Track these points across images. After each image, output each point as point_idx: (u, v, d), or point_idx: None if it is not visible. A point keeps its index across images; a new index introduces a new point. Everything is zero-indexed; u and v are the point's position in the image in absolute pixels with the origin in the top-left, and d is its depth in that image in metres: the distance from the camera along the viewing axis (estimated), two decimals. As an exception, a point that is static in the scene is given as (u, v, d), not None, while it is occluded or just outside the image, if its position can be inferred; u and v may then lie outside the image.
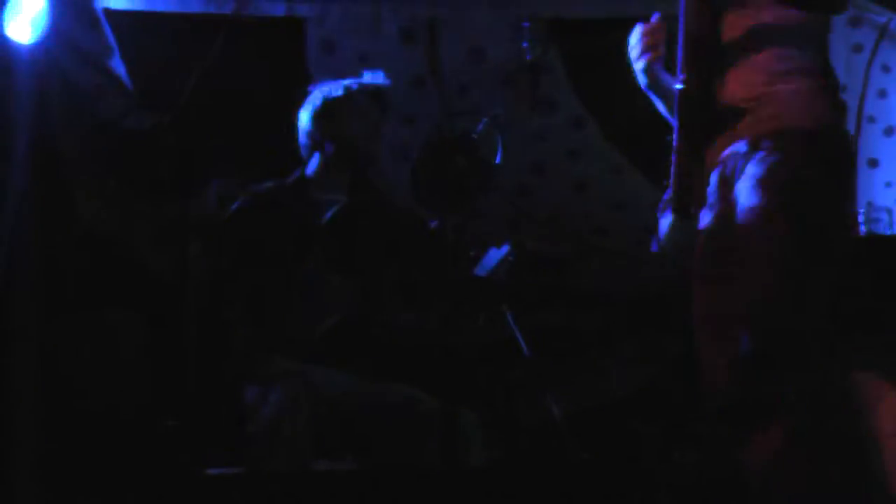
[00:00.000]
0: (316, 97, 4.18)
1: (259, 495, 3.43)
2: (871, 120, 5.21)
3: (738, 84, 2.97)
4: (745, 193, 2.87)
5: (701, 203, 3.08)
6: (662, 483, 3.42)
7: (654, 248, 3.21)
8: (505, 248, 4.33)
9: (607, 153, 5.27)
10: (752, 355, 2.80)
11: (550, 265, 4.78)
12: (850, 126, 3.12)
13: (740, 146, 2.94)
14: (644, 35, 3.15)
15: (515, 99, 5.10)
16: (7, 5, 4.07)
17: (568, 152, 5.31)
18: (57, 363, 4.05)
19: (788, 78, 2.95)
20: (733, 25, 3.00)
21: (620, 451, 4.54)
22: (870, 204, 4.94)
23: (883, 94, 5.23)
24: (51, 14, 4.28)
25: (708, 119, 2.99)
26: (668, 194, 3.10)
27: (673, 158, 3.02)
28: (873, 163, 5.21)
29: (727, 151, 2.98)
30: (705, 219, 3.05)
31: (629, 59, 3.24)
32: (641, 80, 3.17)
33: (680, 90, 2.96)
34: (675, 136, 3.00)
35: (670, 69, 3.18)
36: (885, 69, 5.21)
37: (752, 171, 2.89)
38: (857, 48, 4.92)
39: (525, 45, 4.99)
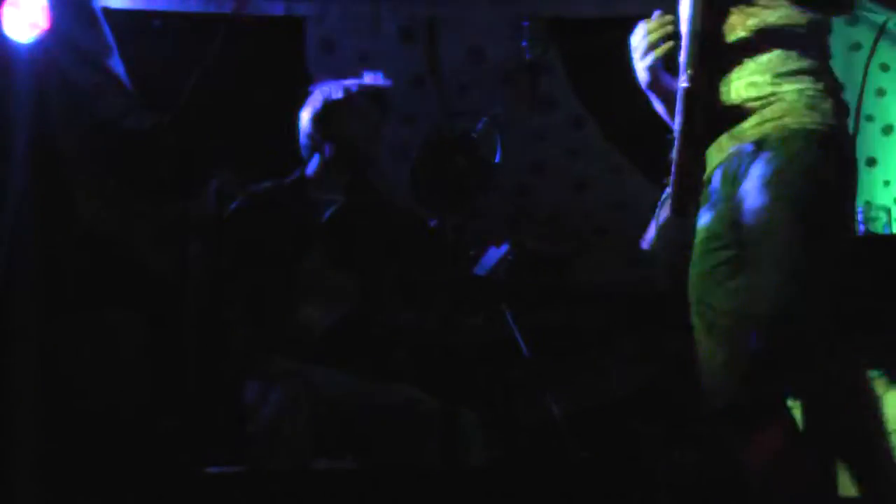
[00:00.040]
0: (316, 98, 4.18)
1: (259, 494, 3.43)
2: (870, 119, 5.22)
3: (743, 83, 2.98)
4: (753, 194, 2.87)
5: (699, 202, 3.09)
6: (662, 483, 3.42)
7: (643, 245, 3.22)
8: (504, 248, 4.33)
9: (607, 153, 5.28)
10: (762, 355, 2.80)
11: (550, 264, 4.78)
12: (849, 125, 3.12)
13: (745, 146, 2.94)
14: (648, 33, 3.15)
15: (515, 98, 5.09)
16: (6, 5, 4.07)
17: (568, 152, 5.31)
18: (57, 363, 4.05)
19: (793, 79, 2.95)
20: (738, 25, 3.00)
21: (620, 450, 4.55)
22: (868, 203, 4.94)
23: (881, 92, 5.24)
24: (50, 13, 4.28)
25: (711, 118, 3.00)
26: (667, 193, 3.10)
27: (674, 157, 3.02)
28: (871, 161, 5.22)
29: (731, 151, 2.98)
30: (704, 217, 3.06)
31: (630, 57, 3.23)
32: (643, 78, 3.16)
33: (685, 88, 2.96)
34: (676, 135, 3.00)
35: (670, 69, 3.18)
36: (884, 68, 5.22)
37: (758, 171, 2.89)
38: (856, 47, 4.93)
39: (525, 44, 4.98)
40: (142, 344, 4.28)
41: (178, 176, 3.48)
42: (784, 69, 2.96)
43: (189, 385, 3.24)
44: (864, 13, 5.00)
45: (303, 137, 4.19)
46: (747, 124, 2.95)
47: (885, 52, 5.11)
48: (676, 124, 3.01)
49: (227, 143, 4.49)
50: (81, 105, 4.66)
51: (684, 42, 3.01)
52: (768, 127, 2.92)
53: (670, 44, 3.10)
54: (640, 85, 3.21)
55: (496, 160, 3.65)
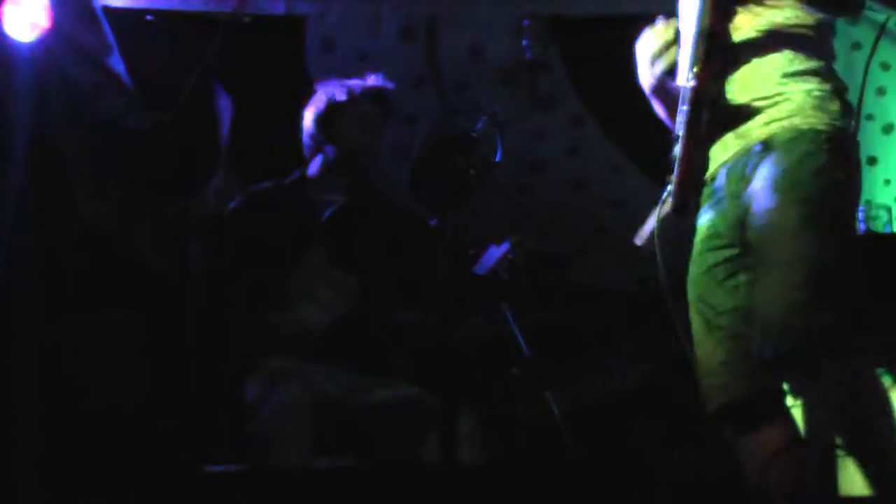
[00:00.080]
0: (320, 98, 4.18)
1: (259, 493, 3.43)
2: (870, 118, 5.22)
3: (750, 83, 2.98)
4: (763, 195, 2.87)
5: (700, 200, 3.09)
6: (662, 483, 3.42)
7: (636, 241, 3.22)
8: (504, 247, 4.33)
9: (607, 151, 5.27)
10: (771, 356, 2.81)
11: (550, 263, 4.78)
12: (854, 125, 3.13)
13: (753, 145, 2.94)
14: (656, 39, 3.15)
15: (515, 97, 5.10)
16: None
17: (568, 150, 5.31)
18: (57, 363, 4.05)
19: (801, 79, 2.95)
20: (744, 24, 3.00)
21: (620, 450, 4.55)
22: (869, 202, 4.94)
23: (882, 91, 5.24)
24: (51, 12, 4.28)
25: (716, 117, 2.99)
26: (668, 191, 3.10)
27: (677, 156, 3.02)
28: (872, 161, 5.21)
29: (737, 150, 2.98)
30: (706, 215, 3.05)
31: (632, 58, 3.23)
32: (650, 84, 3.16)
33: (692, 88, 2.96)
34: (680, 134, 3.00)
35: (673, 73, 3.19)
36: (884, 67, 5.21)
37: (767, 172, 2.89)
38: (856, 46, 4.93)
39: (525, 43, 4.99)
40: (142, 344, 4.28)
41: (178, 175, 3.48)
42: (791, 69, 2.96)
43: (189, 385, 3.24)
44: (865, 12, 5.00)
45: (305, 137, 4.20)
46: (754, 124, 2.95)
47: (886, 51, 5.11)
48: (681, 123, 3.01)
49: (227, 143, 4.48)
50: (81, 104, 4.66)
51: (690, 41, 3.01)
52: (776, 127, 2.92)
53: (677, 50, 3.11)
54: (642, 87, 3.21)
55: (496, 159, 3.65)
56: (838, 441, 3.03)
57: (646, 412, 4.60)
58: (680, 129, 3.03)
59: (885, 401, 2.86)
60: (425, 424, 3.83)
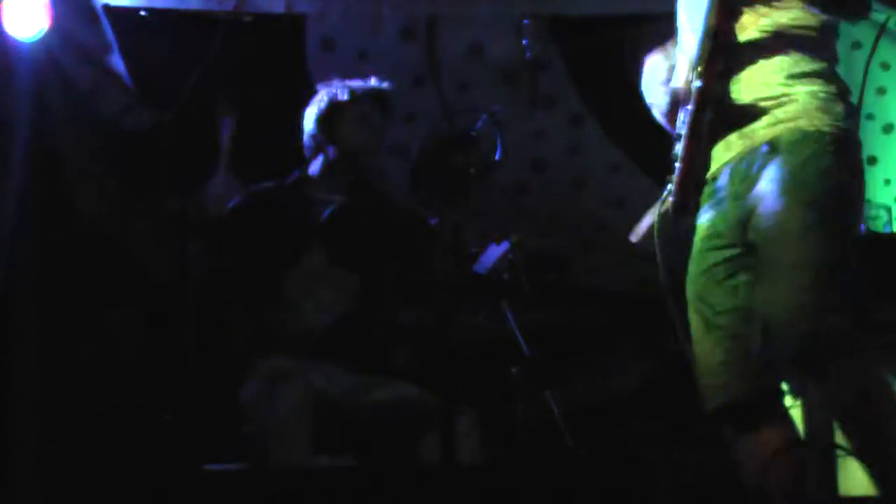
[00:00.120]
0: (321, 99, 4.18)
1: (259, 492, 3.43)
2: (870, 117, 5.22)
3: (755, 83, 2.98)
4: (770, 198, 2.87)
5: (701, 199, 3.08)
6: (662, 482, 3.42)
7: (632, 238, 3.22)
8: (504, 245, 4.32)
9: (607, 151, 5.27)
10: (793, 358, 2.81)
11: (550, 262, 4.78)
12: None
13: (758, 146, 2.94)
14: (666, 60, 3.15)
15: (515, 96, 5.10)
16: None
17: (568, 150, 5.30)
18: (57, 363, 4.05)
19: (806, 80, 2.95)
20: (750, 24, 3.00)
21: (620, 449, 4.54)
22: (868, 202, 4.93)
23: (882, 91, 5.24)
24: (51, 11, 4.28)
25: (720, 116, 2.99)
26: (668, 190, 3.10)
27: (679, 155, 3.02)
28: (872, 160, 5.21)
29: (741, 150, 2.97)
30: (707, 214, 3.05)
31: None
32: (661, 105, 3.16)
33: (698, 88, 2.96)
34: (684, 133, 3.00)
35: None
36: (884, 66, 5.21)
37: (774, 174, 2.89)
38: (856, 45, 4.92)
39: (525, 42, 4.99)
40: (142, 344, 4.28)
41: (178, 175, 3.48)
42: (796, 70, 2.96)
43: (189, 384, 3.24)
44: (865, 12, 5.00)
45: (306, 137, 4.20)
46: (759, 124, 2.95)
47: (886, 51, 5.11)
48: (683, 122, 3.01)
49: (226, 142, 4.48)
50: (81, 104, 4.66)
51: (695, 40, 3.01)
52: (781, 128, 2.92)
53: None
54: (649, 105, 3.22)
55: (496, 158, 3.65)
56: (838, 441, 3.03)
57: (646, 412, 4.60)
58: (682, 128, 3.03)
59: (894, 403, 2.87)
60: (425, 424, 3.83)
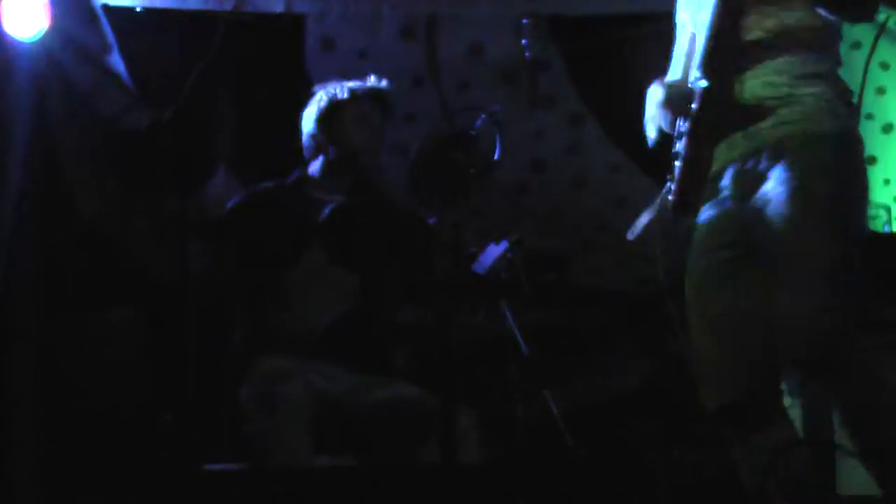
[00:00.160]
0: (320, 99, 4.17)
1: (259, 492, 3.43)
2: (870, 117, 5.22)
3: (759, 83, 2.98)
4: (780, 200, 2.88)
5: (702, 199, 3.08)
6: (662, 482, 3.43)
7: (629, 236, 3.22)
8: (504, 245, 4.32)
9: (607, 150, 5.26)
10: (813, 359, 2.82)
11: (550, 262, 4.77)
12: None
13: (764, 147, 2.94)
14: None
15: (515, 96, 5.09)
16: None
17: (567, 149, 5.30)
18: (57, 363, 4.05)
19: (811, 82, 2.96)
20: (755, 24, 3.00)
21: (620, 449, 4.54)
22: (868, 201, 4.94)
23: (881, 91, 5.24)
24: (50, 11, 4.28)
25: (724, 115, 2.99)
26: (667, 188, 3.10)
27: (682, 155, 3.02)
28: (871, 160, 5.22)
29: (746, 150, 2.97)
30: (708, 213, 3.05)
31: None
32: (666, 124, 3.16)
33: (703, 87, 2.95)
34: (687, 132, 3.00)
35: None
36: (884, 66, 5.22)
37: (782, 176, 2.89)
38: (856, 45, 4.91)
39: (524, 42, 4.98)
40: (142, 344, 4.28)
41: (178, 174, 3.48)
42: (802, 71, 2.96)
43: (189, 385, 3.23)
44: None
45: (306, 138, 4.19)
46: (764, 124, 2.95)
47: (885, 51, 5.11)
48: (688, 122, 3.01)
49: (226, 141, 4.48)
50: (81, 103, 4.66)
51: (701, 38, 3.01)
52: (787, 129, 2.92)
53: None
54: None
55: (496, 158, 3.64)
56: (838, 441, 3.04)
57: (646, 412, 4.60)
58: (683, 126, 3.03)
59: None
60: (425, 424, 3.83)
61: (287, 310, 3.96)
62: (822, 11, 2.94)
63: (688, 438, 4.12)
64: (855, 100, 3.10)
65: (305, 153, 4.20)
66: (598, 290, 5.11)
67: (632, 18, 4.96)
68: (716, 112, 2.99)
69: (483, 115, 3.64)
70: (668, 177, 3.11)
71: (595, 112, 5.25)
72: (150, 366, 4.25)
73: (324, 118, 4.14)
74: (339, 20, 5.02)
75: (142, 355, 4.28)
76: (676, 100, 3.08)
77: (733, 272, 3.00)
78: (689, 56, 3.28)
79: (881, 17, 4.52)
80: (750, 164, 2.97)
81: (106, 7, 4.77)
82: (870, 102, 5.14)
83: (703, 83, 2.96)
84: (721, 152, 3.03)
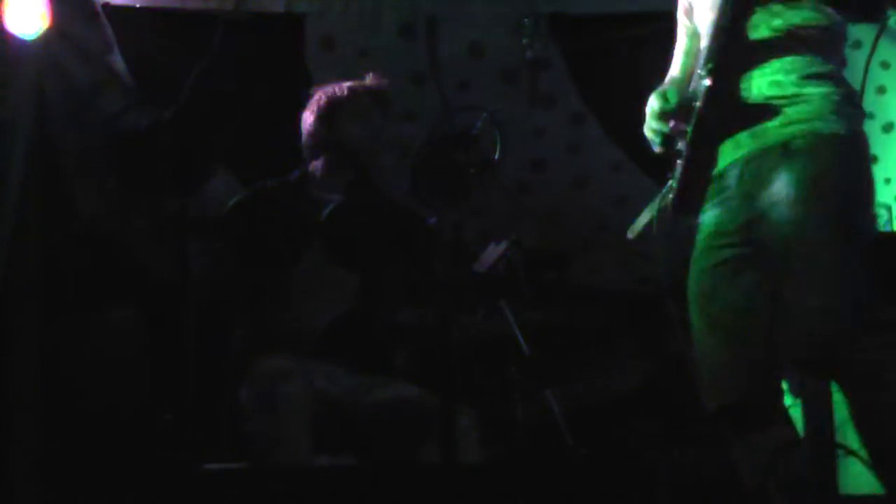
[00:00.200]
0: (319, 98, 4.17)
1: (258, 492, 3.43)
2: (870, 116, 5.21)
3: (765, 82, 2.97)
4: (792, 203, 2.87)
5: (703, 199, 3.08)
6: (662, 482, 3.42)
7: (629, 235, 3.22)
8: (504, 245, 4.32)
9: (607, 150, 5.26)
10: (829, 361, 2.82)
11: (550, 261, 4.77)
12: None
13: (770, 146, 2.94)
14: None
15: (515, 95, 5.09)
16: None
17: (568, 149, 5.30)
18: (57, 363, 4.06)
19: (818, 81, 2.95)
20: (761, 23, 2.99)
21: (620, 449, 4.55)
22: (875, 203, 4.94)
23: (882, 90, 5.24)
24: (51, 10, 4.27)
25: (730, 114, 2.99)
26: (668, 186, 3.10)
27: (685, 153, 3.02)
28: (872, 159, 5.19)
29: (752, 149, 2.97)
30: (712, 212, 3.05)
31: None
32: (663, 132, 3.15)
33: (708, 87, 2.95)
34: (690, 131, 2.99)
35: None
36: (885, 66, 5.22)
37: (792, 177, 2.89)
38: (856, 44, 4.92)
39: (525, 41, 4.98)
40: (142, 344, 4.28)
41: (178, 174, 3.48)
42: (809, 71, 2.96)
43: (189, 385, 3.23)
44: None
45: (306, 137, 4.19)
46: (771, 124, 2.94)
47: (886, 50, 5.11)
48: (692, 121, 3.00)
49: (226, 141, 4.48)
50: (81, 102, 4.66)
51: (707, 36, 3.00)
52: (795, 129, 2.92)
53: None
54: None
55: (496, 157, 3.64)
56: (838, 440, 3.04)
57: (646, 412, 4.60)
58: (688, 125, 3.02)
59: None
60: (425, 424, 3.83)
61: (287, 310, 3.96)
62: (830, 10, 2.94)
63: (688, 438, 4.13)
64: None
65: (305, 153, 4.20)
66: (598, 290, 5.12)
67: (632, 18, 4.96)
68: (721, 111, 2.98)
69: (484, 115, 3.64)
70: (670, 175, 3.11)
71: (595, 111, 5.25)
72: (150, 366, 4.25)
73: (323, 117, 4.14)
74: (340, 19, 5.02)
75: (142, 355, 4.28)
76: (680, 105, 3.07)
77: (736, 271, 3.00)
78: (691, 54, 3.28)
79: (881, 16, 4.53)
80: (756, 164, 2.96)
81: (106, 6, 4.77)
82: (870, 101, 5.13)
83: (708, 82, 2.95)
84: (726, 151, 3.03)
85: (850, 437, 3.02)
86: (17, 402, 3.86)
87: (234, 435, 3.83)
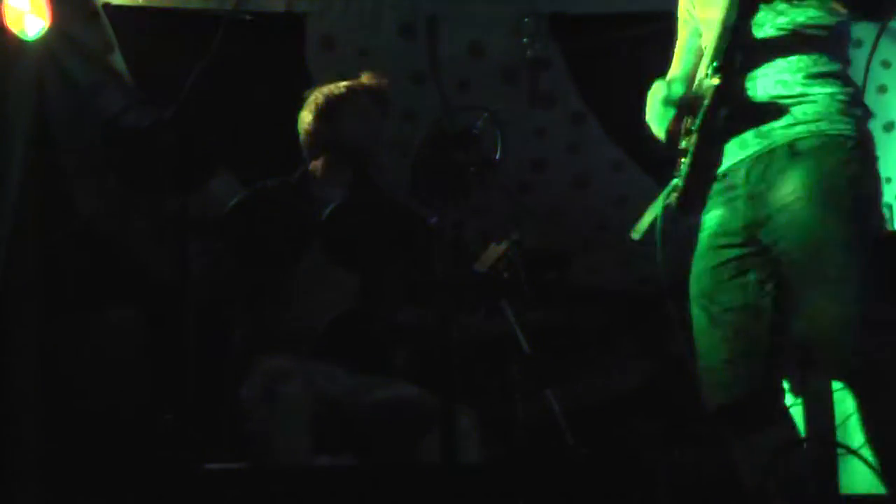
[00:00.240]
0: (317, 97, 4.17)
1: (258, 492, 3.43)
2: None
3: (771, 81, 2.96)
4: (803, 206, 2.87)
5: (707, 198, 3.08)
6: (662, 482, 3.42)
7: (634, 235, 3.22)
8: (504, 245, 4.32)
9: (607, 149, 5.26)
10: (849, 368, 2.82)
11: (550, 261, 4.77)
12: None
13: (777, 146, 2.93)
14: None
15: (515, 95, 5.09)
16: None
17: (568, 148, 5.30)
18: (57, 363, 4.06)
19: (824, 81, 2.95)
20: (767, 22, 2.99)
21: (620, 449, 4.54)
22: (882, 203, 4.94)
23: (883, 89, 5.24)
24: (52, 10, 4.28)
25: (736, 113, 2.98)
26: (672, 184, 3.09)
27: (690, 153, 3.01)
28: (875, 159, 5.21)
29: (758, 149, 2.96)
30: (716, 210, 3.04)
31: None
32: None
33: (715, 84, 2.94)
34: (696, 129, 2.99)
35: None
36: (885, 65, 5.21)
37: (801, 179, 2.88)
38: (857, 44, 4.90)
39: (525, 40, 4.98)
40: (142, 344, 4.28)
41: (178, 173, 3.48)
42: (815, 70, 2.95)
43: (189, 385, 3.24)
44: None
45: (305, 137, 4.19)
46: (777, 124, 2.94)
47: (887, 49, 5.11)
48: (698, 120, 3.00)
49: (226, 140, 4.47)
50: (82, 102, 4.66)
51: (714, 35, 3.00)
52: (801, 130, 2.91)
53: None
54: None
55: (496, 157, 3.64)
56: (839, 440, 3.04)
57: (646, 412, 4.60)
58: (692, 123, 3.01)
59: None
60: (425, 424, 3.83)
61: (287, 310, 3.96)
62: (837, 8, 2.93)
63: (688, 438, 4.12)
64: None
65: (304, 154, 4.20)
66: (598, 290, 5.12)
67: (632, 18, 4.96)
68: (727, 109, 2.97)
69: (484, 114, 3.64)
70: (675, 173, 3.09)
71: (596, 111, 5.24)
72: (150, 366, 4.26)
73: (321, 116, 4.14)
74: (340, 19, 5.02)
75: (142, 355, 4.29)
76: (685, 100, 3.07)
77: (742, 270, 3.00)
78: (693, 52, 3.27)
79: (881, 15, 4.52)
80: (762, 164, 2.95)
81: (106, 6, 4.77)
82: (871, 101, 5.08)
83: (717, 81, 2.94)
84: (731, 150, 3.02)
85: (850, 436, 3.03)
86: (17, 402, 3.86)
87: (234, 435, 3.83)
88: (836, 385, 2.97)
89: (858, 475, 3.07)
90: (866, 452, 2.89)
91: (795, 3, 2.98)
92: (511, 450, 4.30)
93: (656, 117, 3.15)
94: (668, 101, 3.10)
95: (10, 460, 3.83)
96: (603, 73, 5.15)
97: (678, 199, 3.06)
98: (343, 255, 3.76)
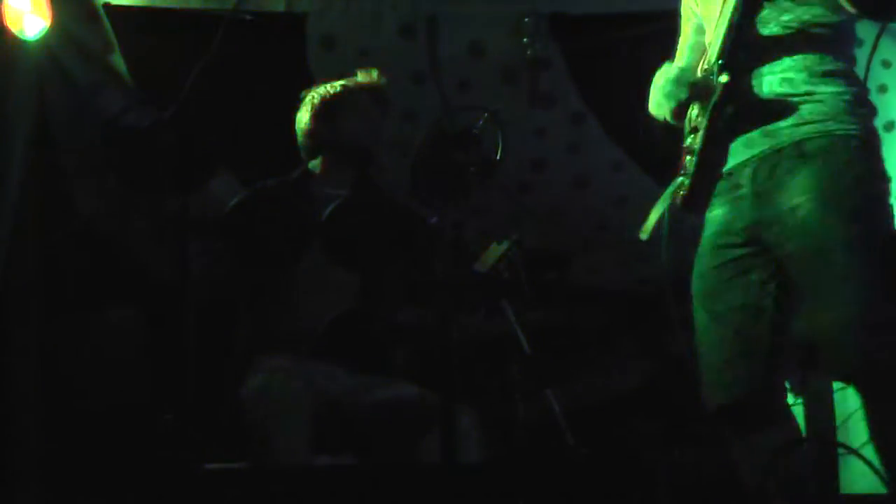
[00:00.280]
0: (315, 97, 4.17)
1: (258, 491, 3.43)
2: (873, 115, 5.21)
3: (776, 79, 2.95)
4: (811, 206, 2.85)
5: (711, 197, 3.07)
6: (662, 482, 3.42)
7: (642, 236, 3.21)
8: (505, 245, 4.32)
9: (607, 149, 5.26)
10: (863, 373, 2.81)
11: (550, 261, 4.77)
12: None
13: (785, 146, 2.92)
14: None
15: (515, 95, 5.08)
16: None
17: (568, 148, 5.29)
18: (57, 363, 4.05)
19: (830, 80, 2.94)
20: (772, 20, 2.98)
21: (620, 449, 4.54)
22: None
23: (883, 89, 5.22)
24: (52, 9, 4.27)
25: (742, 112, 2.97)
26: (677, 183, 3.09)
27: (697, 152, 3.00)
28: (875, 158, 5.21)
29: (765, 148, 2.95)
30: (720, 209, 3.04)
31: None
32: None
33: (725, 84, 2.93)
34: (702, 128, 2.98)
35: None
36: (886, 65, 5.20)
37: (808, 180, 2.87)
38: (858, 43, 4.91)
39: (525, 40, 4.98)
40: (142, 344, 4.28)
41: (178, 173, 3.48)
42: (821, 69, 2.94)
43: (189, 384, 3.24)
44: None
45: (303, 137, 4.18)
46: (784, 123, 2.92)
47: (887, 49, 5.09)
48: (705, 118, 2.99)
49: (227, 140, 4.48)
50: (82, 102, 4.66)
51: (719, 33, 2.99)
52: (809, 129, 2.90)
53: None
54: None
55: (496, 157, 3.64)
56: (840, 440, 3.03)
57: (646, 412, 4.60)
58: (697, 121, 3.01)
59: None
60: (425, 424, 3.83)
61: (287, 310, 3.96)
62: (844, 6, 2.92)
63: (688, 438, 4.12)
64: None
65: (303, 154, 4.19)
66: (598, 290, 5.11)
67: (632, 18, 4.95)
68: (733, 108, 2.96)
69: (485, 114, 3.64)
70: (682, 171, 3.08)
71: (596, 111, 5.23)
72: (150, 366, 4.25)
73: (319, 116, 4.14)
74: (340, 19, 5.02)
75: (142, 355, 4.29)
76: (697, 86, 3.05)
77: (745, 269, 2.99)
78: (696, 49, 3.26)
79: (881, 14, 4.52)
80: (769, 164, 2.94)
81: (106, 6, 4.77)
82: (871, 101, 5.13)
83: (725, 77, 2.93)
84: (737, 149, 3.01)
85: (850, 436, 3.03)
86: (17, 402, 3.86)
87: (235, 434, 3.83)
88: (837, 385, 2.97)
89: (858, 475, 3.08)
90: (867, 452, 2.88)
91: (800, 0, 2.98)
92: (511, 450, 4.30)
93: (665, 95, 3.13)
94: (680, 82, 3.09)
95: (10, 460, 3.83)
96: (603, 73, 5.14)
97: (684, 197, 3.05)
98: (343, 255, 3.76)
